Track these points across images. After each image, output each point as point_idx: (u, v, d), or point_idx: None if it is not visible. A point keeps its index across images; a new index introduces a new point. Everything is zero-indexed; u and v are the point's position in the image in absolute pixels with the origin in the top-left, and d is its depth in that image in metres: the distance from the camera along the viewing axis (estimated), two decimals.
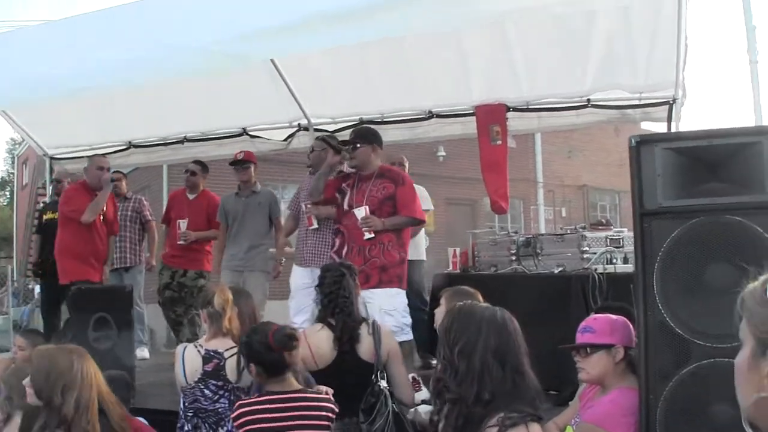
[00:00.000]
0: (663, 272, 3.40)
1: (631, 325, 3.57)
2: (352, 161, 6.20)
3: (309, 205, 6.55)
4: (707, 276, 3.32)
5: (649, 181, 3.50)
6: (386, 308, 5.41)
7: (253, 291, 5.92)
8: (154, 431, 4.07)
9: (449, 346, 2.76)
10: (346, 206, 6.09)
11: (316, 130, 8.39)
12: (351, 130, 6.53)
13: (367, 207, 5.87)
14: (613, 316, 3.64)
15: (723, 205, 3.40)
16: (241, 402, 3.80)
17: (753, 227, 3.33)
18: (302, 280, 6.57)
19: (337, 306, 4.45)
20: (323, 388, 3.82)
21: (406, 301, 5.91)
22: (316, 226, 6.57)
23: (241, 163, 7.73)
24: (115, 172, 9.16)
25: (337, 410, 3.69)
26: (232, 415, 3.74)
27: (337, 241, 6.15)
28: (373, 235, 5.83)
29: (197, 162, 8.58)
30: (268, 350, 3.76)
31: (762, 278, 1.59)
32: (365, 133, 6.28)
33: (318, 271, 6.19)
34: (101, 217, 7.49)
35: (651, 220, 3.48)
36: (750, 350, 1.56)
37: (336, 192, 6.24)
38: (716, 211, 3.39)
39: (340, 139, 6.97)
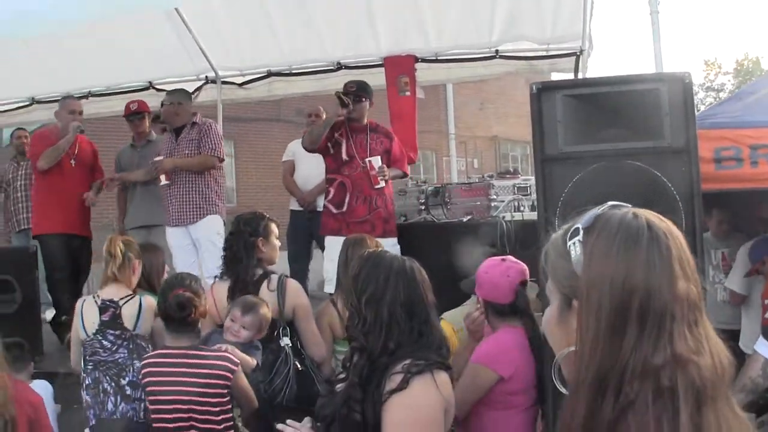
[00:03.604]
0: (564, 217, 3.45)
1: (507, 285, 3.47)
2: (353, 113, 6.05)
3: (157, 159, 6.34)
4: None
5: (551, 128, 3.54)
6: None
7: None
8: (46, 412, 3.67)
9: (357, 294, 2.65)
10: (345, 156, 6.06)
11: (224, 83, 8.30)
12: (348, 81, 6.37)
13: (380, 156, 5.95)
14: (495, 271, 3.53)
15: (622, 150, 3.48)
16: (145, 356, 3.88)
17: (651, 171, 3.42)
18: (178, 240, 6.44)
19: (233, 261, 4.37)
20: (224, 346, 3.73)
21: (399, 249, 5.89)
22: (167, 182, 6.36)
23: (135, 114, 7.42)
24: (18, 129, 8.85)
25: (235, 368, 3.61)
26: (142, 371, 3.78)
27: (332, 191, 6.10)
28: (384, 184, 5.94)
29: None
30: (166, 312, 3.82)
31: (564, 227, 1.52)
32: (366, 87, 6.26)
33: (190, 229, 6.26)
34: (71, 161, 6.90)
35: (552, 166, 3.53)
36: (557, 306, 1.51)
37: (327, 142, 6.13)
38: (616, 156, 3.47)
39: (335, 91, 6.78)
